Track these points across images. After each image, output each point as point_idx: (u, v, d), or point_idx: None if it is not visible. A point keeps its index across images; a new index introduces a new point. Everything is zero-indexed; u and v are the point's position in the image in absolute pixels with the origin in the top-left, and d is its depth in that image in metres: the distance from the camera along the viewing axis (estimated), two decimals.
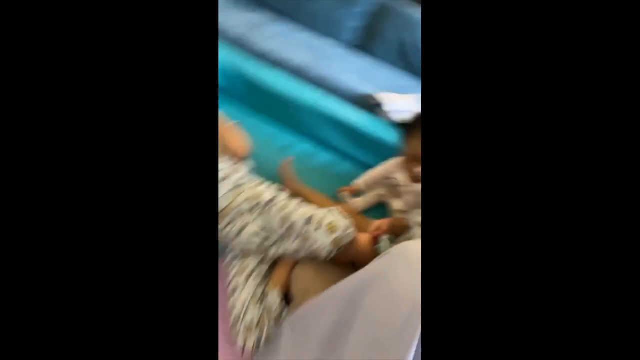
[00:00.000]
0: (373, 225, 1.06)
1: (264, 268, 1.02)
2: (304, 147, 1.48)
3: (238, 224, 1.01)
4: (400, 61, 2.07)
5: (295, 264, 1.01)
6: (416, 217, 1.10)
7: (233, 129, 1.24)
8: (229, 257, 1.05)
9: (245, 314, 0.91)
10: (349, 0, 2.10)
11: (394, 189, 1.28)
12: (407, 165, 1.08)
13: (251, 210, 1.02)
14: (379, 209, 1.30)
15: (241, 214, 1.02)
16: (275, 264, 1.04)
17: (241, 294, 0.94)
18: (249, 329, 0.89)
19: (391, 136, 1.37)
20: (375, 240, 1.02)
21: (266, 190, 1.07)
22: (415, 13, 2.02)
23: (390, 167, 1.27)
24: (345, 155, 1.49)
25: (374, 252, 0.99)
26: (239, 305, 0.93)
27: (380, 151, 1.36)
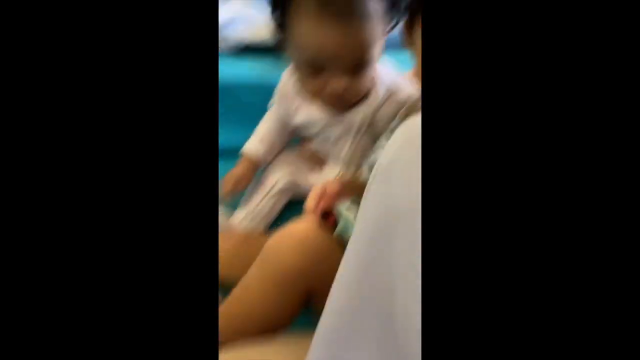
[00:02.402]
0: (310, 201, 0.63)
1: None
2: None
3: None
4: None
5: None
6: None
7: None
8: None
9: None
10: None
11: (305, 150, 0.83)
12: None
13: None
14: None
15: None
16: None
17: None
18: None
19: None
20: (329, 220, 0.60)
21: None
22: None
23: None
24: None
25: (331, 243, 0.59)
26: None
27: None
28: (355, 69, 0.64)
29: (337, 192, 0.60)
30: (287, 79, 0.75)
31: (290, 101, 0.75)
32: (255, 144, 0.78)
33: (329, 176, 0.75)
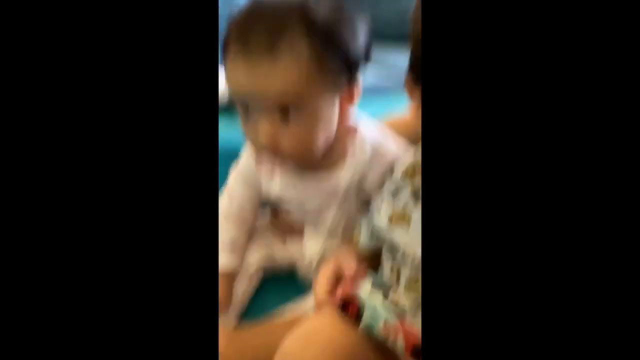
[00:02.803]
0: (321, 288, 0.54)
1: None
2: None
3: None
4: None
5: None
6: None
7: None
8: None
9: None
10: None
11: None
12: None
13: None
14: None
15: None
16: None
17: None
18: None
19: None
20: (350, 311, 0.50)
21: None
22: None
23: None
24: None
25: (361, 341, 0.49)
26: None
27: None
28: (284, 112, 0.57)
29: (356, 273, 0.51)
30: (247, 156, 0.67)
31: (258, 175, 0.67)
32: (226, 256, 0.66)
33: (312, 247, 0.66)
